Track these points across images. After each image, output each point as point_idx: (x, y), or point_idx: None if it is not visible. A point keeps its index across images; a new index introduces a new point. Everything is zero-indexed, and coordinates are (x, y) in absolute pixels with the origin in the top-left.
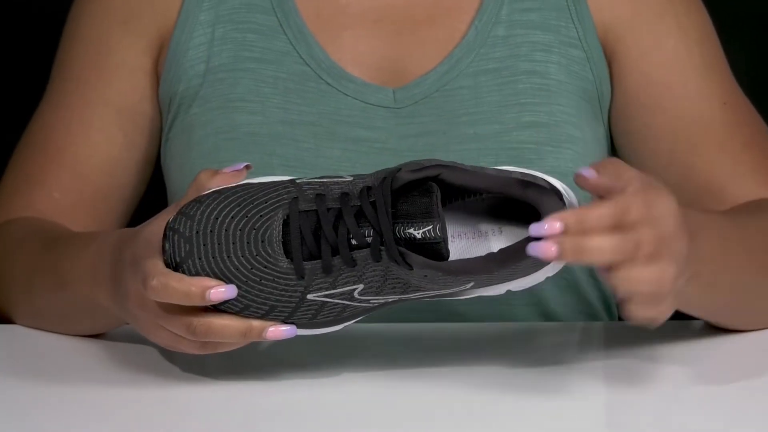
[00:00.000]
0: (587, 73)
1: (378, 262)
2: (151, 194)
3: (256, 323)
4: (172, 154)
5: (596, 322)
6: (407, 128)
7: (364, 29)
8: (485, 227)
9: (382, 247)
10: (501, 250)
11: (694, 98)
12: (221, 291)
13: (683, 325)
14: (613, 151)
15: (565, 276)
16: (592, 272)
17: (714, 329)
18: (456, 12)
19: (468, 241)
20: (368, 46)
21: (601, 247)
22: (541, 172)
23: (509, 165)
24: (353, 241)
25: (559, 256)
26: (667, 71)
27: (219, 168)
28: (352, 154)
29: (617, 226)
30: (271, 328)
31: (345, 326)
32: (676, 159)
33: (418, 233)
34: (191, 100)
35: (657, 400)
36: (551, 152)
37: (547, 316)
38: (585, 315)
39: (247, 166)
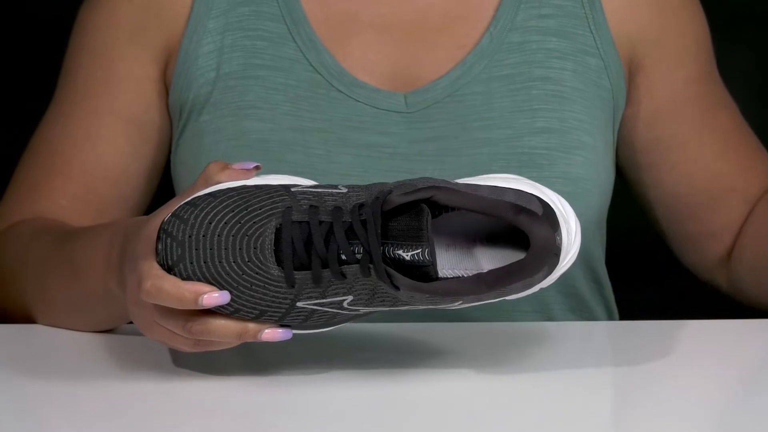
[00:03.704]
0: (604, 81)
1: (367, 277)
2: (159, 201)
3: (251, 325)
4: (182, 161)
5: (597, 322)
6: (419, 133)
7: (374, 36)
8: (475, 239)
9: (371, 265)
10: (490, 272)
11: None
12: (214, 297)
13: (683, 325)
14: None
15: (570, 282)
16: (594, 279)
17: (715, 328)
18: (468, 20)
19: (458, 253)
20: (378, 53)
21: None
22: (541, 183)
23: (520, 170)
24: (343, 257)
25: None
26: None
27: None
28: (363, 160)
29: None
30: (267, 330)
31: (337, 327)
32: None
33: (407, 255)
34: (201, 108)
35: (658, 399)
36: (561, 158)
37: (550, 320)
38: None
39: (257, 167)
